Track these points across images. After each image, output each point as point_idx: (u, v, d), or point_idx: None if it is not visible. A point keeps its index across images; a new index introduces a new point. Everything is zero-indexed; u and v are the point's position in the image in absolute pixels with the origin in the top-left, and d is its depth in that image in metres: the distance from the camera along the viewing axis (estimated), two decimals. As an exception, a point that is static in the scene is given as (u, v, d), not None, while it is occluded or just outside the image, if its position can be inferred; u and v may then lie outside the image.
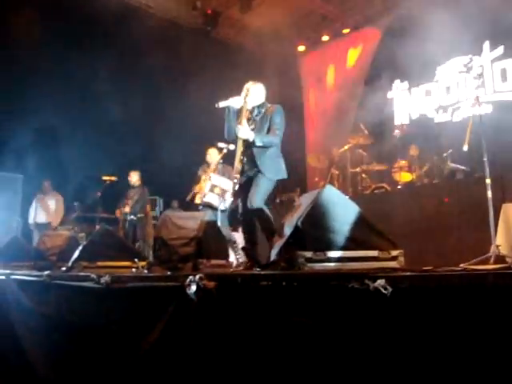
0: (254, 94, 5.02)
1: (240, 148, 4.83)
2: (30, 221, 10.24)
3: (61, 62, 9.62)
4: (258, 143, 4.78)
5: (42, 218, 10.28)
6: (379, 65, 11.70)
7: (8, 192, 9.79)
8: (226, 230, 7.22)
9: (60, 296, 3.95)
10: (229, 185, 7.11)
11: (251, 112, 5.01)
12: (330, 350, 2.24)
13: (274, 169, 4.88)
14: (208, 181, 7.16)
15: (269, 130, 4.89)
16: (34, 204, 10.35)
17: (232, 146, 7.06)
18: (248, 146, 4.84)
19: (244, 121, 4.85)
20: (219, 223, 7.16)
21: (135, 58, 9.96)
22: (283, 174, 4.96)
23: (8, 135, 9.26)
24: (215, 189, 7.16)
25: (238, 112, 4.98)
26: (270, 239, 4.51)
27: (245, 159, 4.87)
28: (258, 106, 5.02)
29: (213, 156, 7.48)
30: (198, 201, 7.28)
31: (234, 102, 4.94)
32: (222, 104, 4.92)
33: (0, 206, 9.59)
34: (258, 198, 4.73)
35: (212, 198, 7.09)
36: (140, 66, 9.98)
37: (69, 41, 9.48)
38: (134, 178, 9.49)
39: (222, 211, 7.19)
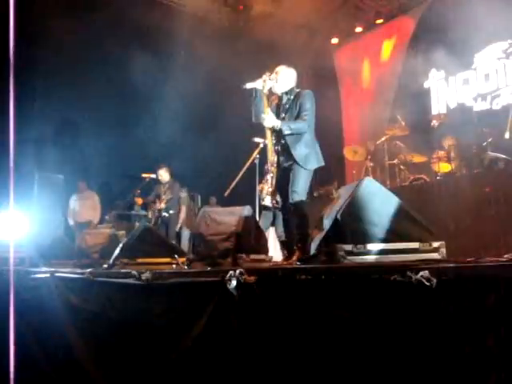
0: (283, 78, 4.83)
1: (270, 138, 4.68)
2: (70, 222, 10.45)
3: (100, 62, 9.79)
4: (286, 131, 4.59)
5: (81, 217, 10.48)
6: (414, 54, 11.51)
7: (50, 192, 9.98)
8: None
9: (102, 293, 4.01)
10: None
11: (280, 99, 4.84)
12: (372, 345, 2.22)
13: (311, 158, 4.69)
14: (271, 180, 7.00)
15: (298, 117, 4.70)
16: (70, 204, 10.56)
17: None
18: (279, 135, 4.67)
19: (268, 109, 4.67)
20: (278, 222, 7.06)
21: (166, 56, 10.03)
22: (320, 161, 4.77)
23: (49, 138, 9.46)
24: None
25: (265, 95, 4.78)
26: (303, 236, 4.46)
27: (279, 149, 4.71)
28: (287, 93, 4.84)
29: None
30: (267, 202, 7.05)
31: (259, 85, 4.74)
32: (248, 85, 4.74)
33: (43, 206, 9.77)
34: (299, 192, 4.58)
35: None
36: (171, 62, 10.04)
37: (97, 39, 9.60)
38: (164, 174, 9.25)
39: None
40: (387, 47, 12.38)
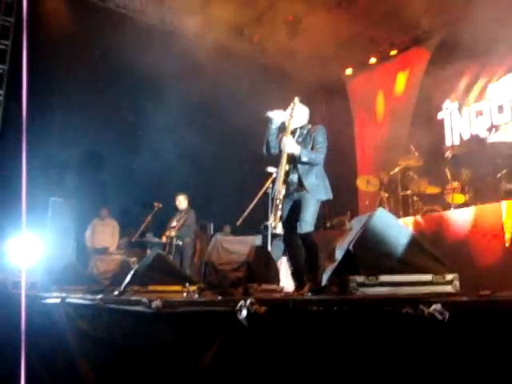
0: (298, 113, 4.91)
1: (284, 166, 4.68)
2: (88, 244, 10.47)
3: (116, 90, 9.93)
4: (304, 158, 4.64)
5: (98, 243, 10.51)
6: (428, 85, 11.57)
7: (64, 217, 10.04)
8: None
9: (112, 320, 4.00)
10: None
11: (293, 133, 4.87)
12: (382, 379, 2.18)
13: (322, 189, 4.74)
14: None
15: (312, 150, 4.77)
16: (90, 229, 10.60)
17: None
18: (292, 164, 4.71)
19: (289, 135, 4.72)
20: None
21: (183, 84, 10.13)
22: (329, 194, 4.80)
23: (62, 162, 9.53)
24: None
25: (281, 127, 4.87)
26: (314, 267, 4.43)
27: (289, 179, 4.73)
28: (301, 128, 4.92)
29: None
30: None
31: (278, 116, 4.82)
32: (270, 114, 4.81)
33: (56, 231, 9.83)
34: (308, 222, 4.59)
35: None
36: (188, 90, 10.13)
37: (111, 70, 9.78)
38: (182, 201, 9.28)
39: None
40: (401, 78, 12.43)
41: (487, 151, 9.04)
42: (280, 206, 4.61)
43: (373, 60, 12.67)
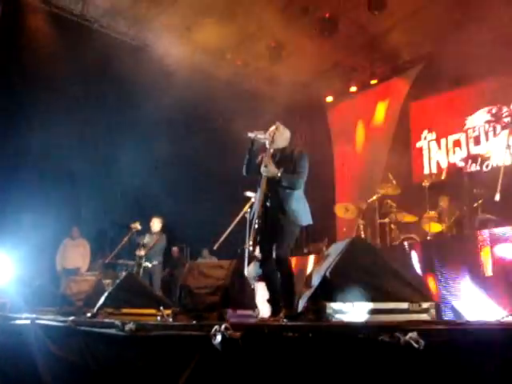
0: (280, 136, 4.84)
1: (263, 189, 4.61)
2: (58, 267, 10.29)
3: (87, 111, 9.91)
4: (284, 182, 4.58)
5: (69, 263, 10.34)
6: (408, 115, 11.77)
7: (36, 235, 9.88)
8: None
9: (84, 342, 3.92)
10: None
11: (274, 155, 4.80)
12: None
13: (301, 213, 4.65)
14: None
15: (292, 174, 4.69)
16: (61, 250, 10.42)
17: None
18: (272, 188, 4.63)
19: (269, 158, 4.65)
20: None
21: (162, 106, 10.14)
22: (309, 219, 4.72)
23: (36, 179, 9.42)
24: None
25: (261, 148, 4.81)
26: (289, 292, 4.37)
27: (269, 203, 4.64)
28: (281, 150, 4.86)
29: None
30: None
31: (259, 137, 4.76)
32: (251, 134, 4.76)
33: (28, 250, 9.66)
34: (285, 246, 4.52)
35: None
36: (168, 112, 10.14)
37: (96, 88, 9.77)
38: (156, 223, 9.25)
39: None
40: (381, 108, 12.60)
41: (464, 181, 9.15)
42: (258, 230, 4.53)
43: (353, 88, 12.83)
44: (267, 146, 4.75)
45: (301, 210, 4.66)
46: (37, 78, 9.25)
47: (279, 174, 4.58)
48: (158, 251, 9.19)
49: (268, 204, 4.64)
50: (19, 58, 8.78)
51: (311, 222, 4.76)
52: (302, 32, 10.34)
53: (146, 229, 9.24)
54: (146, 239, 9.03)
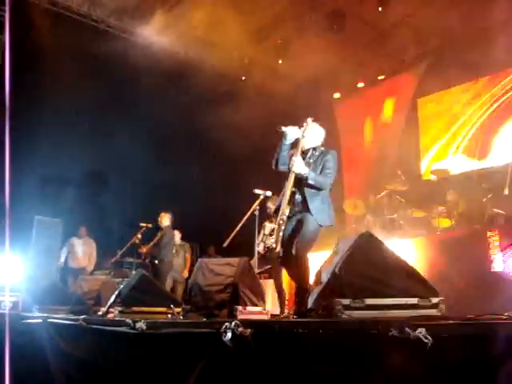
0: (312, 134, 4.86)
1: (290, 186, 4.58)
2: (61, 264, 10.30)
3: (104, 111, 9.94)
4: (311, 180, 4.55)
5: (75, 262, 10.38)
6: (416, 110, 11.74)
7: (48, 236, 9.93)
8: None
9: (95, 340, 3.94)
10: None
11: (305, 153, 4.80)
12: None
13: (325, 214, 4.65)
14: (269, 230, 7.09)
15: (321, 173, 4.68)
16: (65, 248, 10.46)
17: (269, 193, 7.10)
18: (299, 185, 4.62)
19: (299, 155, 4.64)
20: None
21: (171, 104, 10.16)
22: (332, 220, 4.72)
23: (48, 181, 9.47)
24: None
25: (293, 144, 4.79)
26: (303, 289, 4.35)
27: (295, 200, 4.64)
28: (314, 149, 4.84)
29: (268, 205, 7.31)
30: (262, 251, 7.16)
31: (292, 132, 4.74)
32: (284, 129, 4.73)
33: (39, 250, 9.72)
34: (305, 245, 4.51)
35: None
36: (176, 111, 10.16)
37: (105, 93, 9.81)
38: (163, 218, 9.18)
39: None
40: (389, 104, 12.56)
41: (473, 176, 9.13)
42: (283, 227, 4.52)
43: (360, 84, 12.78)
44: (299, 140, 4.74)
45: (323, 210, 4.64)
46: (44, 76, 9.30)
47: (307, 173, 4.55)
48: (166, 248, 9.09)
49: (294, 201, 4.64)
50: (28, 59, 8.80)
51: (332, 224, 4.75)
52: (308, 28, 10.33)
53: (152, 230, 9.24)
54: (155, 238, 9.02)
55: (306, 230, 4.54)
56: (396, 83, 12.33)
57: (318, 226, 4.62)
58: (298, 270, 4.52)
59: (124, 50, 9.69)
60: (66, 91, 9.36)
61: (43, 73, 9.27)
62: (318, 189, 4.64)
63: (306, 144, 4.79)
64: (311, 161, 4.76)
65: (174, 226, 9.47)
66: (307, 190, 4.61)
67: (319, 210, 4.59)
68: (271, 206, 7.07)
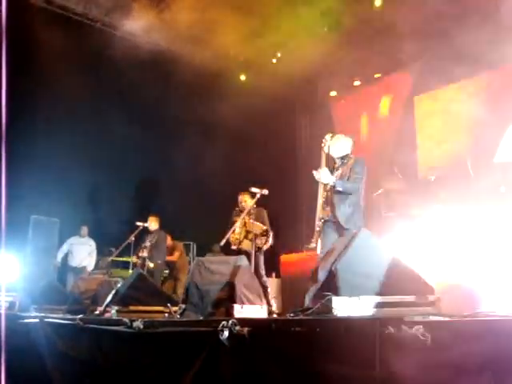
0: (338, 144, 5.33)
1: (322, 195, 5.07)
2: (58, 260, 10.25)
3: (100, 110, 9.93)
4: (339, 187, 4.97)
5: (76, 261, 10.37)
6: (412, 108, 11.74)
7: (45, 236, 9.92)
8: (259, 273, 7.23)
9: (93, 340, 3.94)
10: (260, 229, 7.13)
11: (335, 162, 5.30)
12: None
13: (353, 219, 5.02)
14: (242, 227, 7.14)
15: (349, 179, 5.11)
16: (65, 247, 10.44)
17: (265, 191, 7.12)
18: (328, 193, 5.08)
19: (324, 167, 5.10)
20: (252, 269, 7.17)
21: (167, 104, 10.16)
22: (356, 224, 5.02)
23: (45, 182, 9.45)
24: (249, 235, 7.17)
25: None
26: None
27: (326, 207, 5.10)
28: (342, 158, 5.28)
29: (247, 202, 7.46)
30: (233, 247, 7.29)
31: (324, 176, 5.13)
32: (317, 177, 5.14)
33: (37, 250, 9.70)
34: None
35: (246, 244, 7.08)
36: (173, 110, 10.16)
37: (97, 89, 9.80)
38: (153, 222, 9.25)
39: (256, 256, 7.18)
40: (385, 102, 12.56)
41: (469, 174, 9.13)
42: (319, 233, 5.04)
43: (357, 83, 12.79)
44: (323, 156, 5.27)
45: (353, 214, 5.04)
46: (41, 78, 9.28)
47: (334, 182, 5.03)
48: (160, 250, 9.18)
49: (325, 208, 5.13)
50: (25, 57, 8.78)
51: (356, 228, 4.96)
52: (304, 27, 10.34)
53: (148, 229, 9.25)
54: (147, 242, 9.04)
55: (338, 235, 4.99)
56: (392, 81, 12.34)
57: (343, 229, 5.02)
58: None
59: (118, 48, 9.69)
60: (63, 90, 9.35)
61: (40, 72, 9.24)
62: (347, 194, 5.07)
63: (334, 154, 5.31)
64: (339, 169, 5.26)
65: (169, 226, 9.51)
66: (336, 196, 5.07)
67: (346, 216, 5.03)
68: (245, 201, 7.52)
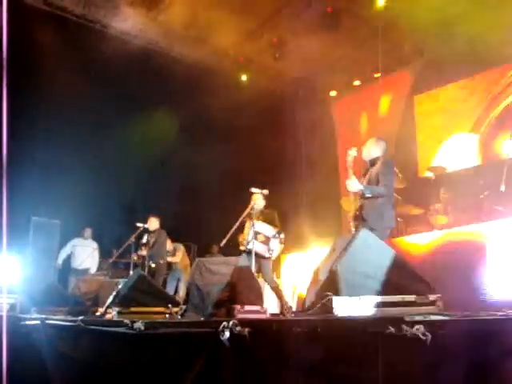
0: (369, 148, 5.64)
1: (353, 202, 5.43)
2: (59, 261, 10.24)
3: (99, 112, 9.93)
4: (367, 194, 5.20)
5: (79, 263, 10.35)
6: (412, 108, 11.73)
7: (46, 237, 9.90)
8: (269, 277, 7.21)
9: (94, 341, 3.94)
10: (271, 231, 7.11)
11: (367, 169, 5.54)
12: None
13: (380, 219, 5.17)
14: (251, 228, 7.10)
15: (378, 182, 5.27)
16: (68, 248, 10.42)
17: (265, 191, 7.13)
18: (360, 198, 5.33)
19: (351, 176, 5.33)
20: (264, 270, 7.17)
21: (168, 105, 10.17)
22: (391, 224, 5.28)
23: (45, 183, 9.44)
24: (259, 236, 7.14)
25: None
26: None
27: (358, 212, 5.35)
28: (372, 162, 5.51)
29: (257, 202, 7.39)
30: (241, 247, 7.26)
31: (353, 185, 5.37)
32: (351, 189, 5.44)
33: (37, 252, 9.69)
34: None
35: (256, 246, 7.05)
36: (175, 111, 10.17)
37: (99, 89, 9.82)
38: (153, 222, 9.23)
39: (267, 258, 7.17)
40: (385, 101, 12.56)
41: (470, 172, 9.14)
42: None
43: (357, 82, 12.79)
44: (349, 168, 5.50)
45: (381, 214, 5.21)
46: (43, 79, 9.28)
47: (362, 189, 5.28)
48: (160, 249, 9.17)
49: (357, 213, 5.40)
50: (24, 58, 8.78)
51: (391, 226, 5.36)
52: (304, 27, 10.33)
53: (148, 230, 9.25)
54: (144, 239, 9.03)
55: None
56: (392, 80, 12.33)
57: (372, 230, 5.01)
58: None
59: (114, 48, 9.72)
60: (64, 91, 9.34)
61: (40, 72, 9.24)
62: (376, 197, 5.26)
63: (365, 158, 5.64)
64: (370, 172, 5.47)
65: (169, 227, 9.51)
66: (365, 201, 5.31)
67: (373, 216, 5.22)
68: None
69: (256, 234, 7.09)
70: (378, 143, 5.69)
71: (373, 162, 5.54)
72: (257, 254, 6.99)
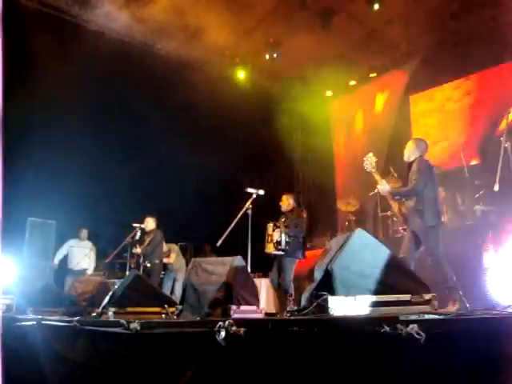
0: (408, 149, 5.80)
1: (394, 203, 5.61)
2: (55, 262, 10.21)
3: (94, 112, 9.92)
4: (396, 196, 5.54)
5: (76, 264, 10.32)
6: (408, 107, 11.76)
7: (42, 238, 9.88)
8: (289, 279, 7.16)
9: (90, 342, 3.93)
10: (300, 233, 7.14)
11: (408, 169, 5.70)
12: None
13: (420, 214, 5.35)
14: (281, 229, 7.14)
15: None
16: (65, 249, 10.39)
17: (261, 191, 7.13)
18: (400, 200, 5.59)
19: (380, 182, 5.57)
20: (286, 272, 7.17)
21: (165, 106, 10.17)
22: (437, 219, 5.39)
23: (41, 183, 9.42)
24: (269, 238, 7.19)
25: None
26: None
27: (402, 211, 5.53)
28: (410, 163, 5.67)
29: (284, 203, 7.48)
30: (270, 250, 7.23)
31: (383, 190, 5.68)
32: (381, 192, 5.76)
33: (33, 252, 9.67)
34: (430, 249, 5.36)
35: (269, 248, 7.09)
36: (171, 112, 10.17)
37: (97, 91, 9.80)
38: (150, 222, 9.26)
39: (292, 259, 7.18)
40: (380, 101, 12.58)
41: (465, 172, 9.16)
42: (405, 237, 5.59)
43: (352, 82, 12.82)
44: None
45: (425, 212, 5.37)
46: (39, 74, 9.26)
47: (388, 193, 5.60)
48: (156, 249, 9.16)
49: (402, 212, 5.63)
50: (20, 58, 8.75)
51: (439, 221, 5.45)
52: (299, 27, 10.34)
53: (144, 230, 9.25)
54: (137, 236, 9.01)
55: (422, 237, 5.38)
56: (387, 80, 12.36)
57: (428, 227, 5.36)
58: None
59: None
60: (58, 91, 9.32)
61: (35, 72, 9.23)
62: (409, 197, 5.51)
63: (406, 159, 5.83)
64: (409, 172, 5.66)
65: (166, 228, 9.51)
66: (406, 203, 5.54)
67: (413, 212, 5.42)
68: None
69: (269, 236, 7.15)
70: (416, 144, 5.81)
71: (411, 163, 5.70)
72: (285, 254, 7.03)
